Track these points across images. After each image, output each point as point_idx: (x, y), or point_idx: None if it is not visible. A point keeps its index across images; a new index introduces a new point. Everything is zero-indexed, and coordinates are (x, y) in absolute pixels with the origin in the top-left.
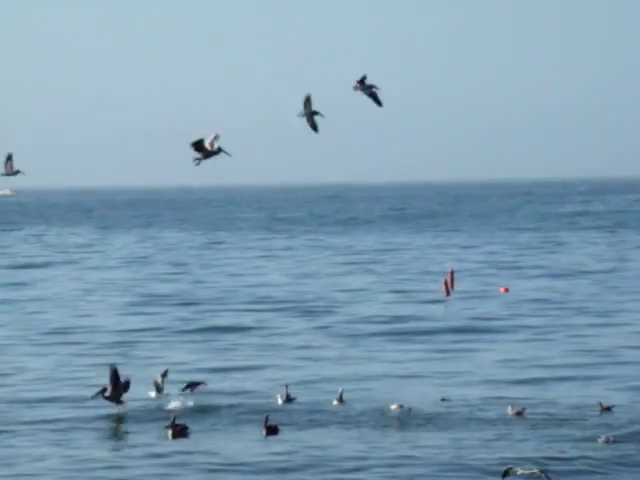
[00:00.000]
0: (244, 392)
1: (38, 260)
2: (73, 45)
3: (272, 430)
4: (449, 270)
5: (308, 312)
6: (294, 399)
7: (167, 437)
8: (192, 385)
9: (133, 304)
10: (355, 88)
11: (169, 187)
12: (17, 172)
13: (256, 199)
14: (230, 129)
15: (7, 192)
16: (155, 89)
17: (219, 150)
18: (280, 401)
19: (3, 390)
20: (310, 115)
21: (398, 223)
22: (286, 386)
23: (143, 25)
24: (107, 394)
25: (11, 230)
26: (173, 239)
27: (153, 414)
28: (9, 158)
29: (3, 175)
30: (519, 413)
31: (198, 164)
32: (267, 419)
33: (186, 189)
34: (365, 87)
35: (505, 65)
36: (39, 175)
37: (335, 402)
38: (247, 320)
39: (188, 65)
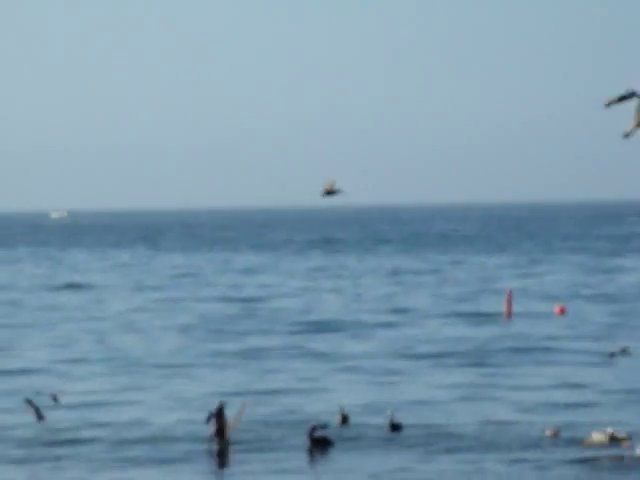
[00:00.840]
0: (297, 413)
1: (90, 280)
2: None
3: (319, 442)
4: (507, 291)
5: (363, 333)
6: (349, 421)
7: (215, 445)
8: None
9: (188, 325)
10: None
11: (211, 208)
12: (337, 191)
13: (307, 220)
14: (274, 148)
15: (62, 214)
16: (202, 108)
17: None
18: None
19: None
20: None
21: (453, 244)
22: (342, 408)
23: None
24: None
25: (65, 250)
26: (224, 259)
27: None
28: (334, 183)
29: (324, 195)
30: (554, 435)
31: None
32: (313, 430)
33: (231, 210)
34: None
35: (554, 85)
36: (93, 197)
37: (386, 425)
38: (300, 341)
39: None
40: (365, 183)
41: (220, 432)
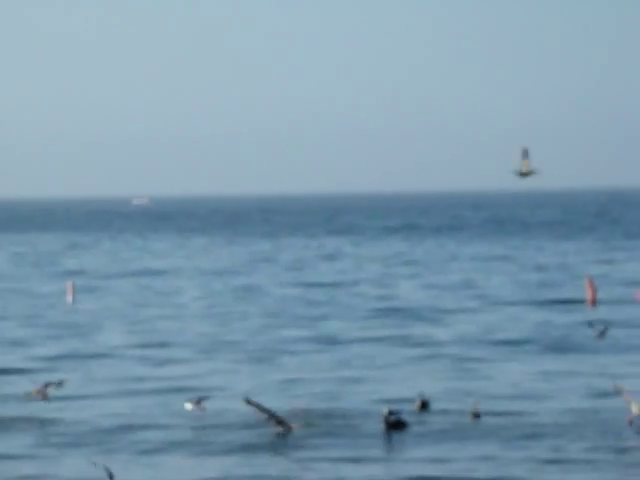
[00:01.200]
0: (376, 399)
1: (169, 265)
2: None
3: (395, 425)
4: (588, 278)
5: (443, 319)
6: (429, 407)
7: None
8: None
9: (266, 311)
10: None
11: (288, 194)
12: (532, 172)
13: (386, 205)
14: (343, 135)
15: (143, 200)
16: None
17: None
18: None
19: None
20: None
21: (533, 229)
22: (421, 394)
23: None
24: None
25: (145, 236)
26: (302, 245)
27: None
28: (526, 154)
29: (518, 174)
30: (632, 422)
31: None
32: (389, 414)
33: (306, 196)
34: None
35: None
36: (175, 183)
37: (469, 413)
38: (378, 327)
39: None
40: (446, 169)
41: (279, 419)
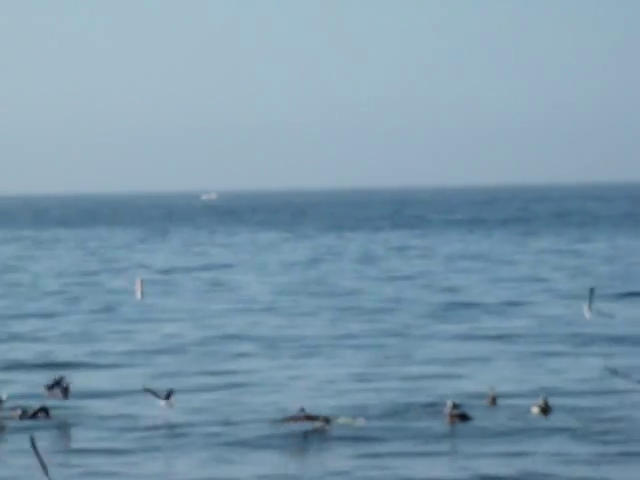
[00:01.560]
0: (442, 394)
1: (232, 260)
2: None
3: (458, 418)
4: None
5: (508, 312)
6: (497, 401)
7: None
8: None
9: (332, 305)
10: None
11: (349, 188)
12: None
13: (445, 199)
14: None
15: (211, 196)
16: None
17: None
18: (448, 405)
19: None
20: None
21: (601, 223)
22: (492, 388)
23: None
24: None
25: (212, 231)
26: (367, 238)
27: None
28: None
29: None
30: None
31: None
32: (453, 406)
33: (368, 190)
34: None
35: None
36: (244, 178)
37: (536, 408)
38: (444, 321)
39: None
40: (516, 162)
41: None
